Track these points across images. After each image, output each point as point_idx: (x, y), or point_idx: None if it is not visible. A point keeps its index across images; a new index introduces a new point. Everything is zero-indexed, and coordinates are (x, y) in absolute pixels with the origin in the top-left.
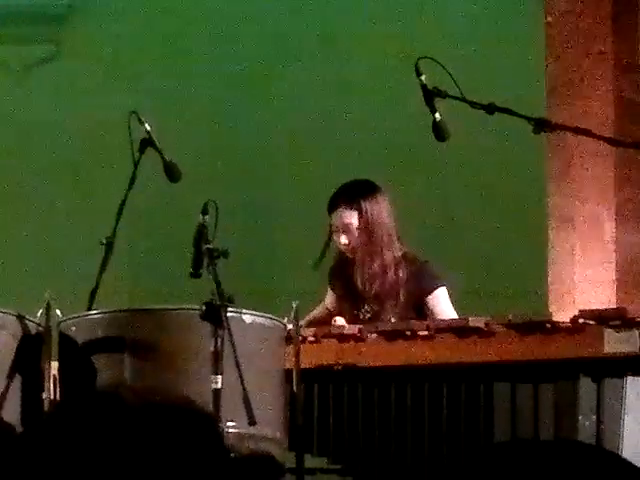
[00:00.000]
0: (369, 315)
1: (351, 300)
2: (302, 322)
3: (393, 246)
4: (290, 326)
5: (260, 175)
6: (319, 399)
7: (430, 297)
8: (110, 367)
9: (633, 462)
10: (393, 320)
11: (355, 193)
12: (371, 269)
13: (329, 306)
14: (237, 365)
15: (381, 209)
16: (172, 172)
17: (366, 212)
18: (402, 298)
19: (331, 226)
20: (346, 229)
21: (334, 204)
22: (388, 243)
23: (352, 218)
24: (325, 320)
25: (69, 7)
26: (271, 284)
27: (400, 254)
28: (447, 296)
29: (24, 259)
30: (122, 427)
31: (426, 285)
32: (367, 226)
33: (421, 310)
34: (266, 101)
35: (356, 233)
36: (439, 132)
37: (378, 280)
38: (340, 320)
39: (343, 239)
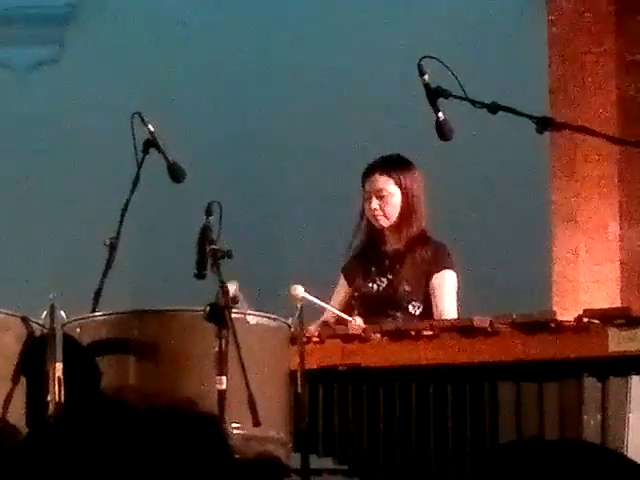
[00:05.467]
0: (384, 285)
1: (367, 275)
2: (312, 327)
3: (422, 219)
4: (294, 327)
5: (265, 175)
6: (324, 399)
7: (436, 276)
8: (114, 368)
9: (638, 461)
10: (407, 288)
11: (391, 163)
12: (400, 234)
13: (338, 303)
14: (241, 366)
15: (415, 181)
16: (176, 173)
17: (401, 180)
18: (419, 270)
19: (364, 194)
20: (378, 194)
21: (369, 171)
22: (419, 215)
23: (385, 184)
24: (338, 322)
25: (72, 8)
26: (276, 284)
27: (424, 230)
28: (454, 282)
29: (28, 260)
30: (126, 429)
31: (437, 263)
32: (403, 194)
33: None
34: (271, 99)
35: (388, 199)
36: (442, 131)
37: (407, 245)
38: (359, 320)
39: (374, 203)
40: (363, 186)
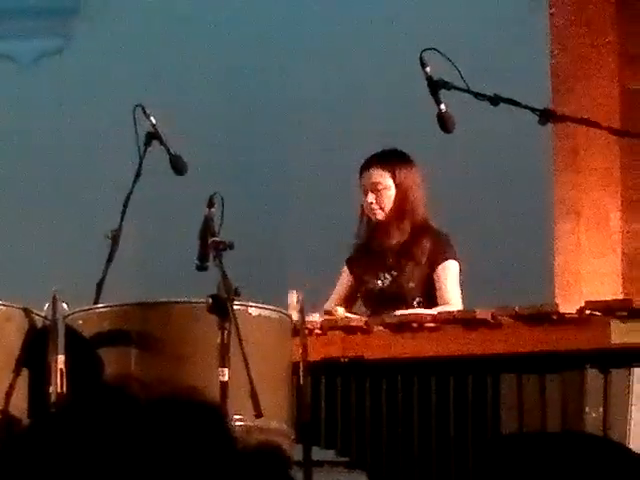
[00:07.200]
0: (388, 281)
1: (371, 271)
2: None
3: (421, 211)
4: (296, 318)
5: (267, 168)
6: (326, 391)
7: (440, 267)
8: (117, 360)
9: None
10: (412, 285)
11: (387, 156)
12: (401, 228)
13: (341, 293)
14: (244, 358)
15: (412, 175)
16: (178, 165)
17: (396, 173)
18: (423, 263)
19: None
20: (374, 188)
21: (366, 164)
22: (417, 207)
23: (382, 178)
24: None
25: (78, 0)
26: (278, 276)
27: (425, 222)
28: (456, 272)
29: (30, 252)
30: (128, 420)
31: (439, 254)
32: (399, 187)
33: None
34: (275, 92)
35: (383, 193)
36: (444, 124)
37: (407, 239)
38: (341, 310)
39: (370, 197)
40: (360, 181)
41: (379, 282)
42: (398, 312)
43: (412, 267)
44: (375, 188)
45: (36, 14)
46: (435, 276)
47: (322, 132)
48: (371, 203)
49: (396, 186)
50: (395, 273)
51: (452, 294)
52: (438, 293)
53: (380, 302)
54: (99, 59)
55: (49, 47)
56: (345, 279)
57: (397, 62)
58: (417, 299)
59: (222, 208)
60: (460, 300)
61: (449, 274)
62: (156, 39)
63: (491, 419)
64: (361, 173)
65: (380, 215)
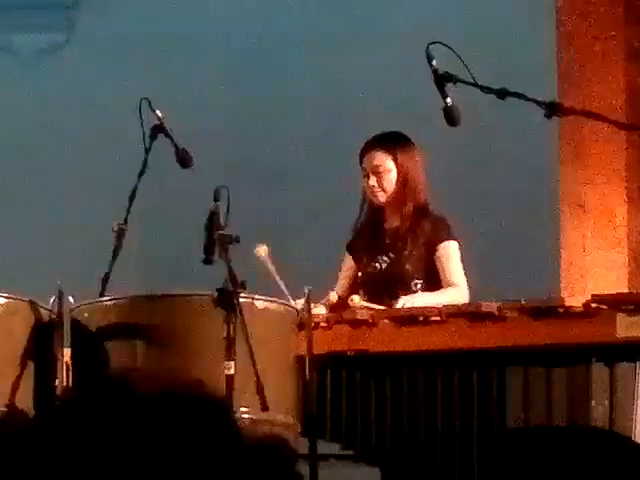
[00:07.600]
0: (386, 263)
1: (369, 253)
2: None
3: (422, 194)
4: (302, 312)
5: (271, 161)
6: (332, 385)
7: (441, 246)
8: (122, 353)
9: None
10: (409, 267)
11: (387, 139)
12: (403, 211)
13: (346, 279)
14: (250, 351)
15: (414, 158)
16: (183, 159)
17: (397, 156)
18: (421, 246)
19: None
20: (376, 171)
21: (366, 148)
22: (419, 190)
23: (383, 161)
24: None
25: None
26: (285, 270)
27: (426, 205)
28: (457, 251)
29: (36, 246)
30: (135, 413)
31: (438, 235)
32: (400, 170)
33: (433, 261)
34: (279, 84)
35: (385, 175)
36: (450, 117)
37: (407, 222)
38: (357, 298)
39: (372, 180)
40: (361, 164)
41: (377, 265)
42: (403, 297)
43: (410, 249)
44: (376, 171)
45: (37, 8)
46: (436, 257)
47: (323, 130)
48: (373, 186)
49: (397, 169)
50: (393, 255)
51: (456, 275)
52: (442, 275)
53: (378, 285)
54: (100, 53)
55: (50, 41)
56: (348, 265)
57: (400, 58)
58: (416, 281)
59: (228, 201)
60: (465, 280)
61: (451, 254)
62: (158, 32)
63: (497, 413)
64: (362, 156)
65: (382, 197)
